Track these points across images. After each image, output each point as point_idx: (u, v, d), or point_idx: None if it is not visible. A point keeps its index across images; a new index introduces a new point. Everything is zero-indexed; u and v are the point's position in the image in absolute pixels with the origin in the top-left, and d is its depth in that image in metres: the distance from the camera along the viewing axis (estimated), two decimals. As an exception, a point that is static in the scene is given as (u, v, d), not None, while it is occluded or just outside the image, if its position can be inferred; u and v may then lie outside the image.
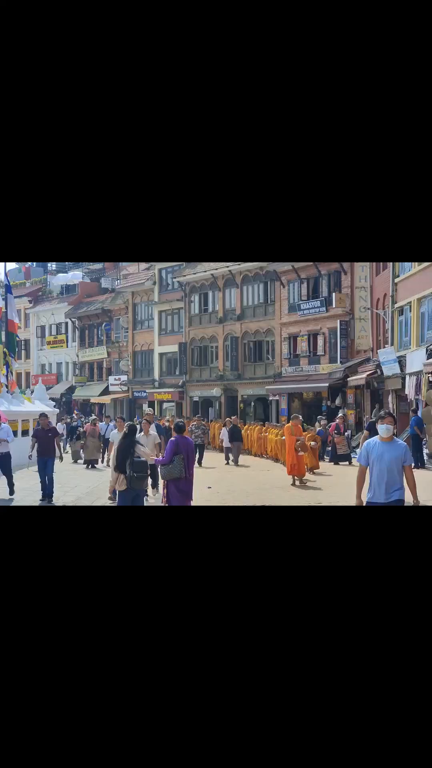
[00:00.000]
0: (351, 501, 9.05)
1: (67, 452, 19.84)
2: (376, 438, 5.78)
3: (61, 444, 16.69)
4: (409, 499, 5.78)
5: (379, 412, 11.99)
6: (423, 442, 17.55)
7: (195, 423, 20.77)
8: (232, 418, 23.57)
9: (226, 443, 20.66)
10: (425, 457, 17.41)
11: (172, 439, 8.10)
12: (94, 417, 25.86)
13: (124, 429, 8.13)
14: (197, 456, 18.85)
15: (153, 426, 18.12)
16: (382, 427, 5.69)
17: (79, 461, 19.73)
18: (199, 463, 18.64)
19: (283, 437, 19.35)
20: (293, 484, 13.73)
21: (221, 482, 14.81)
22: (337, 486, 13.32)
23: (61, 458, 11.71)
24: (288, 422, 15.85)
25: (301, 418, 16.83)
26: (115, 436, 11.26)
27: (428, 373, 18.37)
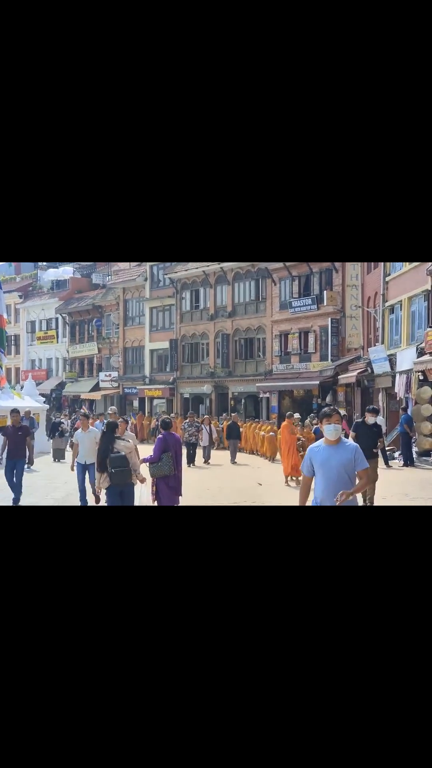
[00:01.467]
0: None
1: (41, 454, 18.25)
2: (321, 441, 4.69)
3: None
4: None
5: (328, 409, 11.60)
6: (413, 440, 17.62)
7: (188, 420, 19.62)
8: (232, 415, 22.87)
9: (205, 442, 19.66)
10: (414, 455, 17.49)
11: (160, 436, 8.05)
12: (84, 412, 25.72)
13: (103, 427, 8.06)
14: (192, 455, 17.78)
15: (97, 424, 17.08)
16: (328, 428, 4.54)
17: (62, 460, 18.57)
18: (192, 462, 17.81)
19: (273, 434, 19.16)
20: (287, 484, 13.19)
21: (214, 481, 14.78)
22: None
23: (30, 462, 10.43)
24: (285, 420, 14.70)
25: (297, 416, 15.54)
26: (79, 435, 10.16)
27: (418, 372, 18.44)
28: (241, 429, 21.47)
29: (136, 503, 7.83)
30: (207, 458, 19.23)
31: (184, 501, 8.27)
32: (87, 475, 9.81)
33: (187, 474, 13.98)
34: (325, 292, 27.77)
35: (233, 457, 19.52)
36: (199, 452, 19.11)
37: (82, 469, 9.88)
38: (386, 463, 16.01)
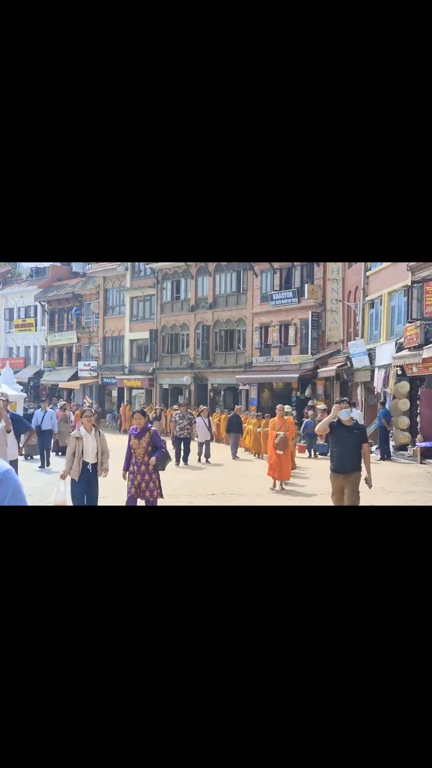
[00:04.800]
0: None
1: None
2: None
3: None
4: None
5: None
6: (390, 435, 17.81)
7: (179, 412, 16.40)
8: (236, 407, 21.08)
9: (203, 437, 16.56)
10: (391, 450, 17.69)
11: (156, 429, 7.91)
12: (63, 402, 25.52)
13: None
14: (183, 453, 15.08)
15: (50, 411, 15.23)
16: None
17: (34, 456, 15.73)
18: (185, 460, 15.16)
19: (258, 429, 18.48)
20: (272, 488, 11.42)
21: (201, 481, 14.75)
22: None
23: None
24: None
25: (286, 408, 13.45)
26: None
27: (396, 366, 18.62)
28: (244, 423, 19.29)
29: (51, 503, 7.60)
30: (207, 455, 16.45)
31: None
32: None
33: (182, 475, 13.16)
34: (306, 285, 27.84)
35: (234, 451, 17.95)
36: (194, 449, 16.37)
37: None
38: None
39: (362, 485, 7.13)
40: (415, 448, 17.05)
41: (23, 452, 9.96)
